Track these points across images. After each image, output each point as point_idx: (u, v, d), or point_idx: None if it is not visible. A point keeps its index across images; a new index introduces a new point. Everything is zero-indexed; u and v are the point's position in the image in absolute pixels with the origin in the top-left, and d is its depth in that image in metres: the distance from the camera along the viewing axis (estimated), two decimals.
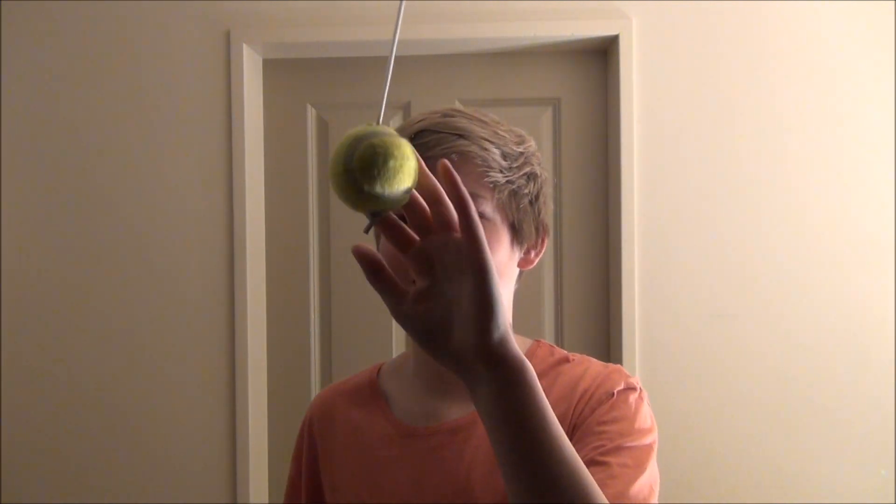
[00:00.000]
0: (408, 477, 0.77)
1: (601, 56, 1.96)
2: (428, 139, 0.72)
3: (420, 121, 0.76)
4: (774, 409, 1.84)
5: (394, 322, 1.96)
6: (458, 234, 0.51)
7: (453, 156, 0.72)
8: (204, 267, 1.91)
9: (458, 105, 1.96)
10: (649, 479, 0.69)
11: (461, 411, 0.78)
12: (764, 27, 1.84)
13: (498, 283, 0.51)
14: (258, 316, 1.96)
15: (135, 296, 1.92)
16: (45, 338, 1.93)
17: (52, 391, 1.93)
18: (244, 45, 1.89)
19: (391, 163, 0.48)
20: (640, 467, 0.69)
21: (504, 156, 0.75)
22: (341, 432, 0.85)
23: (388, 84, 0.58)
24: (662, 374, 1.84)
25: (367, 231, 0.54)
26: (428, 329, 0.53)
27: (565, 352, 0.82)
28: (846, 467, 1.83)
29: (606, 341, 1.96)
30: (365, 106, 1.99)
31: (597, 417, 0.72)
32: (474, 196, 0.72)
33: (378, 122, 0.53)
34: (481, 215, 0.73)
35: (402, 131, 0.74)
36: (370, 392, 0.86)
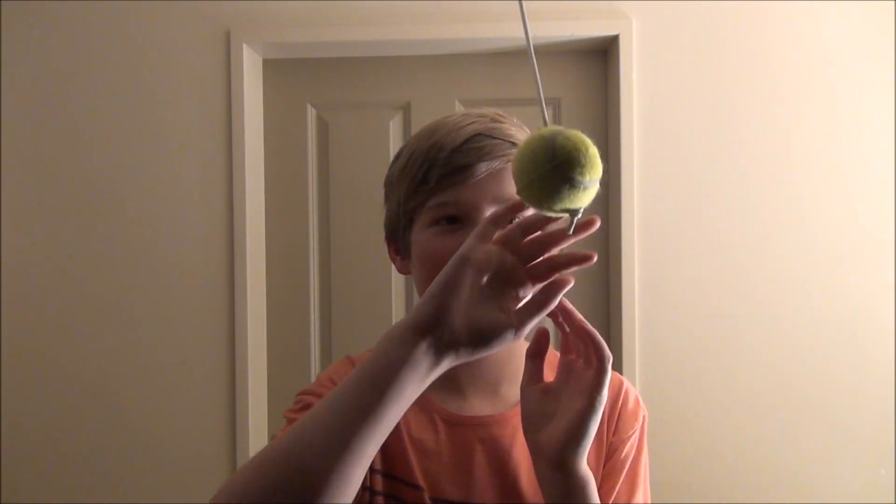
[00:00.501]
0: (454, 464, 0.77)
1: (601, 56, 1.96)
2: (483, 144, 0.73)
3: (472, 123, 0.76)
4: (774, 409, 1.84)
5: (394, 319, 1.97)
6: (591, 371, 0.64)
7: (509, 164, 0.74)
8: (204, 266, 1.91)
9: (457, 105, 1.97)
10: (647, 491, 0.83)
11: (490, 407, 0.79)
12: (764, 27, 1.84)
13: (597, 422, 0.64)
14: (258, 315, 1.96)
15: (135, 295, 1.92)
16: (45, 337, 1.93)
17: (52, 390, 1.93)
18: (244, 45, 1.89)
19: (591, 150, 0.51)
20: (643, 487, 0.81)
21: None
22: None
23: (539, 84, 0.59)
24: (662, 373, 1.84)
25: (572, 232, 0.56)
26: (533, 414, 0.67)
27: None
28: (846, 467, 1.83)
29: (607, 341, 1.95)
30: (365, 106, 1.99)
31: (623, 453, 0.80)
32: (521, 204, 0.75)
33: (545, 124, 0.55)
34: None
35: (451, 132, 0.75)
36: None
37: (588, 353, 0.65)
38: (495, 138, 0.74)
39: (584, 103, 1.97)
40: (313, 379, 1.99)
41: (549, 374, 0.72)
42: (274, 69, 2.00)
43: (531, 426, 0.67)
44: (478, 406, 0.80)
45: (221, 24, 1.89)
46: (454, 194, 0.73)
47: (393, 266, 0.85)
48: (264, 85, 2.00)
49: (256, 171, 1.96)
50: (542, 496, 0.73)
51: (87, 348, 1.92)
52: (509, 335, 0.56)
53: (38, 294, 1.93)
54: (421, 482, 0.76)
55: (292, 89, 2.01)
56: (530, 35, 0.57)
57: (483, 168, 0.72)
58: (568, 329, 0.66)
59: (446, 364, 0.56)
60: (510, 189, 0.73)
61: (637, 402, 0.84)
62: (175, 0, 1.89)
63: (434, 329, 0.55)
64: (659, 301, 1.85)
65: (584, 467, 0.66)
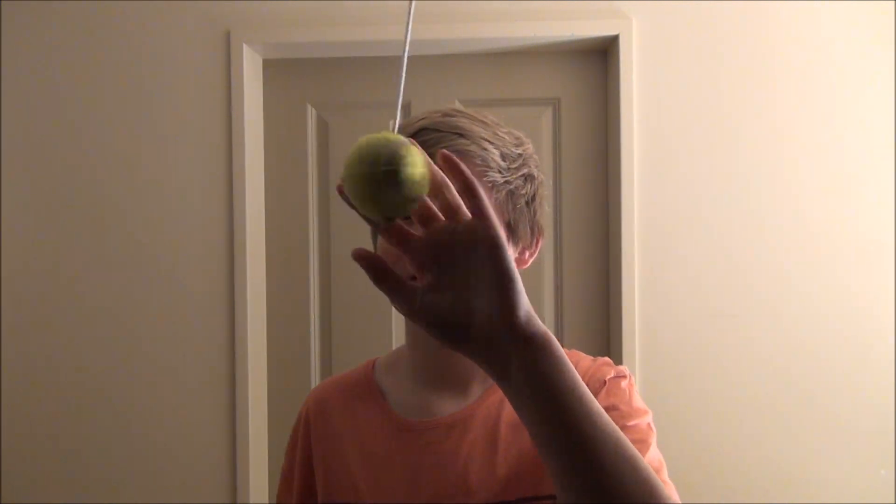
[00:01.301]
0: (404, 471, 0.77)
1: (601, 56, 1.96)
2: (428, 137, 0.73)
3: (421, 119, 0.77)
4: (774, 409, 1.84)
5: (393, 320, 1.97)
6: (466, 217, 0.51)
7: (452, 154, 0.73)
8: (204, 266, 1.91)
9: (458, 105, 1.97)
10: (657, 455, 0.71)
11: (456, 406, 0.79)
12: (764, 27, 1.84)
13: (511, 257, 0.51)
14: (258, 316, 1.96)
15: (135, 295, 1.92)
16: (45, 338, 1.93)
17: (52, 391, 1.93)
18: (244, 45, 1.89)
19: (411, 170, 0.49)
20: (644, 442, 0.70)
21: (503, 156, 0.76)
22: (338, 428, 0.85)
23: (401, 87, 0.58)
24: (662, 373, 1.84)
25: (376, 234, 0.54)
26: (446, 320, 0.51)
27: None
28: (846, 467, 1.83)
29: (606, 341, 1.96)
30: (365, 106, 1.99)
31: (601, 396, 0.74)
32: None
33: (393, 130, 0.54)
34: None
35: (402, 129, 0.75)
36: (367, 387, 0.86)
37: (446, 201, 0.52)
38: (441, 131, 0.74)
39: (584, 103, 1.97)
40: (314, 379, 2.00)
41: None
42: (274, 69, 2.00)
43: (455, 333, 0.52)
44: (447, 405, 0.80)
45: (221, 24, 1.89)
46: None
47: None
48: (264, 85, 2.00)
49: (256, 171, 1.96)
50: (493, 492, 0.73)
51: (86, 350, 1.92)
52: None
53: (38, 295, 1.93)
54: (365, 498, 0.78)
55: (292, 89, 2.01)
56: (408, 39, 0.57)
57: None
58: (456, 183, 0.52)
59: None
60: None
61: (594, 366, 0.78)
62: (175, 0, 1.89)
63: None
64: (659, 301, 1.85)
65: (539, 324, 0.53)
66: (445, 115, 0.77)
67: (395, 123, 0.57)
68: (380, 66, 1.97)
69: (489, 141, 0.76)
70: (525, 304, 0.51)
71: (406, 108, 1.98)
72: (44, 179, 1.93)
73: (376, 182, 0.49)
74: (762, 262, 1.84)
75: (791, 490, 1.83)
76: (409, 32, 0.57)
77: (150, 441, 1.91)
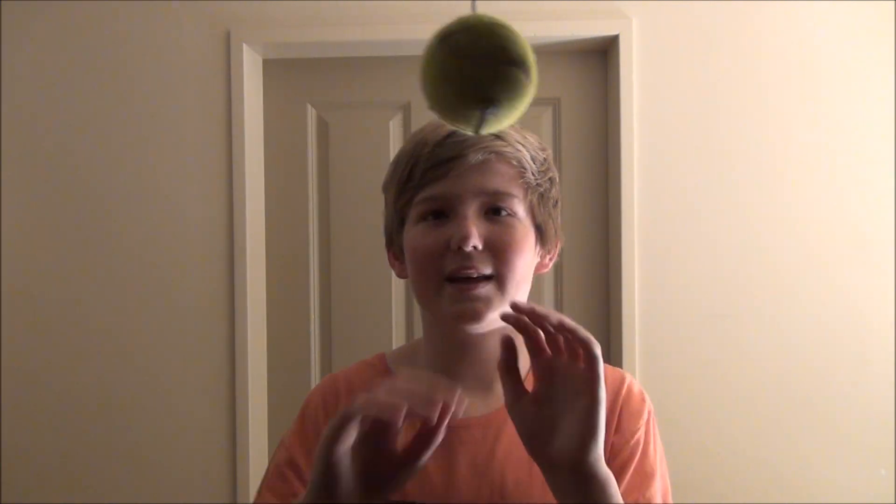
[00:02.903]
0: (439, 471, 0.75)
1: (601, 56, 1.96)
2: (465, 137, 0.74)
3: None
4: (774, 409, 1.84)
5: (393, 320, 1.97)
6: (581, 364, 0.61)
7: (491, 155, 0.74)
8: (204, 267, 1.91)
9: None
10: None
11: (484, 406, 0.78)
12: (764, 27, 1.84)
13: (604, 413, 0.61)
14: (258, 316, 1.96)
15: (134, 296, 1.92)
16: (45, 339, 1.93)
17: (52, 392, 1.93)
18: (244, 45, 1.89)
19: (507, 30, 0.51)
20: (666, 493, 0.79)
21: (532, 159, 0.77)
22: None
23: None
24: (662, 373, 1.84)
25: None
26: (534, 430, 0.63)
27: None
28: (846, 467, 1.82)
29: (606, 341, 1.96)
30: (365, 106, 1.99)
31: (628, 452, 0.78)
32: (510, 196, 0.75)
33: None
34: (514, 215, 0.75)
35: (435, 128, 0.76)
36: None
37: (572, 347, 0.61)
38: None
39: (584, 103, 1.97)
40: (314, 379, 2.00)
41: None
42: (274, 69, 2.00)
43: (536, 442, 0.63)
44: (471, 406, 0.78)
45: (221, 24, 1.89)
46: (439, 188, 0.74)
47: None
48: (264, 85, 2.00)
49: (256, 171, 1.96)
50: (530, 496, 0.73)
51: (86, 350, 1.92)
52: (406, 477, 0.62)
53: (38, 295, 1.93)
54: (393, 497, 0.76)
55: (292, 89, 2.01)
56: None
57: (465, 161, 0.73)
58: (552, 330, 0.61)
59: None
60: (495, 180, 0.74)
61: (641, 396, 0.82)
62: (175, 0, 1.89)
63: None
64: (659, 301, 1.85)
65: (604, 466, 0.63)
66: None
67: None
68: (380, 66, 1.97)
69: (521, 143, 0.77)
70: (598, 448, 0.61)
71: (406, 107, 1.98)
72: (44, 180, 1.93)
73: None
74: (762, 262, 1.84)
75: (790, 490, 1.83)
76: None
77: (150, 441, 1.91)
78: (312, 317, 2.01)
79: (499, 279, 0.73)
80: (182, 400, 1.91)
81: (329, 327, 2.01)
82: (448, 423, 0.76)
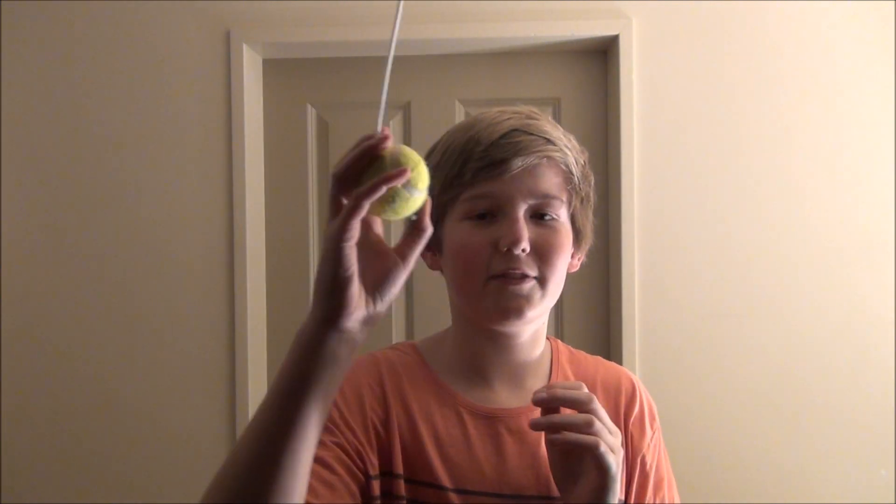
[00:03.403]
0: (488, 458, 0.76)
1: (601, 56, 1.96)
2: (519, 139, 0.75)
3: (508, 119, 0.78)
4: (774, 409, 1.84)
5: (393, 319, 1.97)
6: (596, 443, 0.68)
7: (543, 160, 0.75)
8: (204, 266, 1.91)
9: (457, 105, 1.97)
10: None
11: (518, 399, 0.80)
12: (764, 26, 1.84)
13: (619, 479, 0.69)
14: (258, 315, 1.96)
15: (134, 295, 1.92)
16: (45, 338, 1.93)
17: (52, 391, 1.93)
18: (244, 45, 1.89)
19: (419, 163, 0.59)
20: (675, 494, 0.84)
21: (576, 162, 0.78)
22: (410, 403, 0.79)
23: (386, 86, 0.64)
24: (662, 373, 1.84)
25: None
26: (560, 475, 0.71)
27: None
28: (846, 467, 1.83)
29: (606, 341, 1.96)
30: (365, 106, 1.98)
31: (644, 458, 0.82)
32: (558, 200, 0.76)
33: (378, 124, 0.61)
34: (558, 218, 0.77)
35: (488, 127, 0.76)
36: (424, 368, 0.82)
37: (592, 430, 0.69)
38: (531, 134, 0.75)
39: (584, 103, 1.97)
40: None
41: (567, 370, 0.84)
42: (274, 69, 2.00)
43: (561, 483, 0.72)
44: (505, 398, 0.80)
45: (221, 24, 1.89)
46: (489, 188, 0.75)
47: None
48: (264, 85, 2.00)
49: (256, 171, 1.96)
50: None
51: (86, 349, 1.92)
52: (401, 273, 0.57)
53: (38, 294, 1.93)
54: (445, 482, 0.75)
55: (292, 89, 2.01)
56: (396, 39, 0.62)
57: (518, 163, 0.74)
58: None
59: (360, 334, 0.57)
60: (544, 184, 0.75)
61: (650, 404, 0.86)
62: (175, 0, 1.89)
63: (340, 318, 0.55)
64: (659, 301, 1.85)
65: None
66: (528, 117, 0.79)
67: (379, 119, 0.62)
68: (380, 66, 1.96)
69: (568, 147, 0.78)
70: (614, 497, 0.68)
71: (406, 108, 1.98)
72: (43, 179, 1.93)
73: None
74: (762, 261, 1.84)
75: (791, 489, 1.83)
76: (396, 33, 0.61)
77: (149, 440, 1.91)
78: None
79: (541, 280, 0.75)
80: (182, 400, 1.91)
81: None
82: (495, 413, 0.78)
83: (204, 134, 1.91)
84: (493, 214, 0.75)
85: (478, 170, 0.75)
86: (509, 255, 0.73)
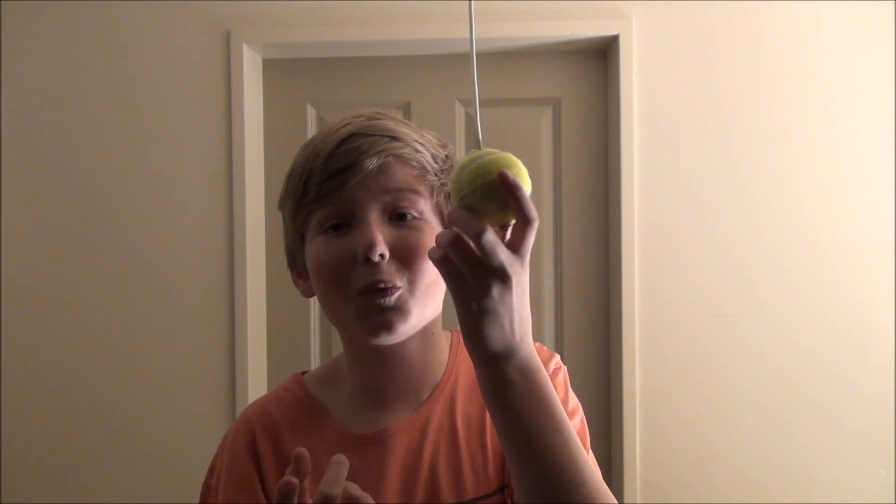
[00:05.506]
0: (371, 485, 0.72)
1: (601, 56, 1.96)
2: (359, 143, 0.71)
3: (346, 125, 0.74)
4: (774, 409, 1.84)
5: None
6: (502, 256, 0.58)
7: (389, 158, 0.71)
8: (204, 267, 1.91)
9: (456, 105, 1.97)
10: (592, 459, 0.73)
11: (409, 412, 0.76)
12: (764, 27, 1.84)
13: (527, 304, 0.59)
14: (258, 316, 1.96)
15: (134, 296, 1.92)
16: (45, 339, 1.93)
17: (52, 392, 1.93)
18: (244, 45, 1.89)
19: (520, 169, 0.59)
20: (585, 442, 0.74)
21: (433, 158, 0.74)
22: (289, 448, 0.77)
23: (476, 87, 0.66)
24: (662, 374, 1.84)
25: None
26: (468, 329, 0.59)
27: None
28: (846, 467, 1.83)
29: (606, 341, 1.96)
30: (365, 106, 1.98)
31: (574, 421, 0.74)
32: (415, 194, 0.71)
33: (477, 124, 0.64)
34: (421, 217, 0.72)
35: (325, 138, 0.73)
36: (308, 405, 0.79)
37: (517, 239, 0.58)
38: (371, 135, 0.72)
39: (584, 103, 1.97)
40: None
41: (468, 363, 0.73)
42: (274, 69, 2.00)
43: (469, 339, 0.60)
44: (400, 415, 0.77)
45: (221, 24, 1.89)
46: (336, 200, 0.71)
47: None
48: (264, 85, 2.00)
49: (256, 171, 1.96)
50: (463, 493, 0.72)
51: (86, 350, 1.92)
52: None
53: (38, 295, 1.93)
54: None
55: (292, 89, 2.01)
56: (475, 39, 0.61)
57: (363, 167, 0.70)
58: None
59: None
60: (395, 179, 0.71)
61: (540, 352, 0.78)
62: (175, 0, 1.89)
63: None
64: (659, 301, 1.85)
65: (538, 359, 0.61)
66: (370, 118, 0.75)
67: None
68: (380, 66, 1.97)
69: (420, 143, 0.73)
70: (528, 337, 0.60)
71: (406, 107, 1.98)
72: (44, 179, 1.93)
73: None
74: (762, 262, 1.84)
75: (791, 490, 1.83)
76: (474, 31, 0.60)
77: (149, 441, 1.91)
78: (312, 316, 2.01)
79: (410, 287, 0.69)
80: (182, 400, 1.91)
81: (329, 327, 2.01)
82: (372, 438, 0.74)
83: (204, 134, 1.91)
84: (348, 224, 0.70)
85: (321, 183, 0.71)
86: (369, 265, 0.67)
